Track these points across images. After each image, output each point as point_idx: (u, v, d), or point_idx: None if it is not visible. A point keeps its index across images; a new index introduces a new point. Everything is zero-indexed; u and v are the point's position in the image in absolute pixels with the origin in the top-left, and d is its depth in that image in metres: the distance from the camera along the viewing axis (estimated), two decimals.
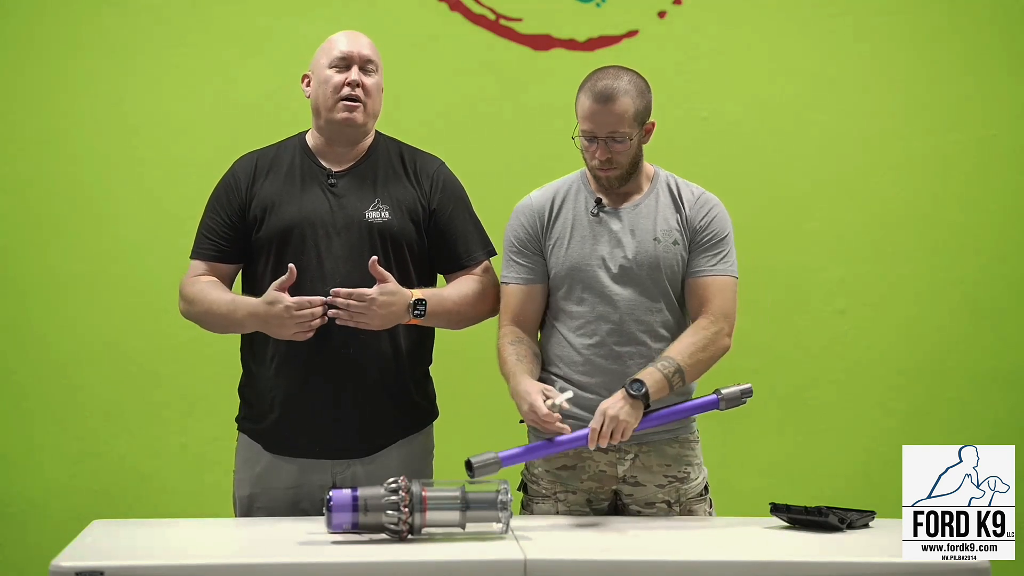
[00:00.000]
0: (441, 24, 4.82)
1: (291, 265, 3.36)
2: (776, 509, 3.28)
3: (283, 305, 3.32)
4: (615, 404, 3.26)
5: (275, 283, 3.35)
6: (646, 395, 3.26)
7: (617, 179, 3.40)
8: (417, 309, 3.39)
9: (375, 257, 3.37)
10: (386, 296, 3.35)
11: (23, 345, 4.75)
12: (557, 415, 3.25)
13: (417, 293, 3.40)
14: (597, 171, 3.39)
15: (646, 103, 3.39)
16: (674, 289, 3.43)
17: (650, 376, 3.28)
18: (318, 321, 3.33)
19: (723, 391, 3.36)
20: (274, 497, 3.49)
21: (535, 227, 3.46)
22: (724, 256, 3.43)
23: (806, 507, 3.26)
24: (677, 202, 3.44)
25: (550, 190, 3.49)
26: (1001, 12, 4.89)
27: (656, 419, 3.32)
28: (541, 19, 4.85)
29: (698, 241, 3.42)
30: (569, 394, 3.31)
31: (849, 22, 4.87)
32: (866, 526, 3.26)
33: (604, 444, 3.24)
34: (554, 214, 3.45)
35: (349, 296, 3.33)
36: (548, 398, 3.27)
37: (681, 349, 3.34)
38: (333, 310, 3.34)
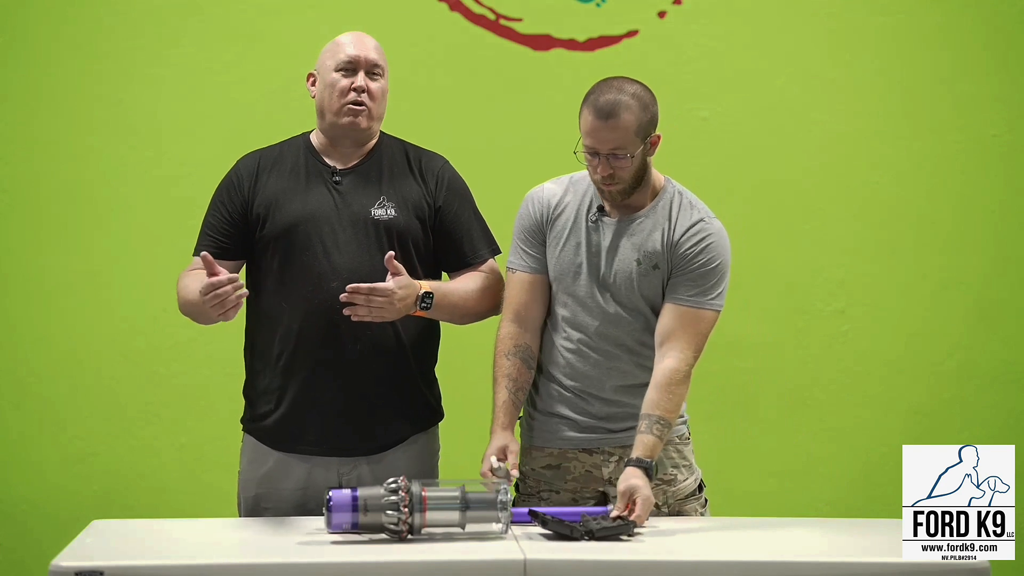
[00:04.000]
0: (441, 24, 4.82)
1: (204, 253, 3.29)
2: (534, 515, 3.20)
3: (200, 296, 3.27)
4: (645, 486, 3.21)
5: (205, 273, 3.29)
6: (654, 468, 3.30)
7: (620, 193, 3.37)
8: (424, 302, 3.39)
9: (392, 252, 3.37)
10: (403, 289, 3.36)
11: (23, 344, 4.75)
12: (490, 476, 3.28)
13: (425, 285, 3.41)
14: (600, 185, 3.37)
15: (650, 116, 3.33)
16: (652, 310, 3.40)
17: (651, 449, 3.27)
18: (232, 301, 3.23)
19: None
20: (281, 498, 3.49)
21: (542, 218, 3.46)
22: (708, 288, 3.36)
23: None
24: (670, 225, 3.39)
25: (562, 184, 3.48)
26: (1001, 13, 4.88)
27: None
28: (541, 19, 4.85)
29: (682, 268, 3.37)
30: (506, 472, 3.28)
31: (849, 22, 4.87)
32: (618, 538, 3.13)
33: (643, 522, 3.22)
34: (559, 211, 3.44)
35: (372, 292, 3.33)
36: (501, 460, 3.31)
37: (666, 406, 3.29)
38: (349, 307, 3.33)
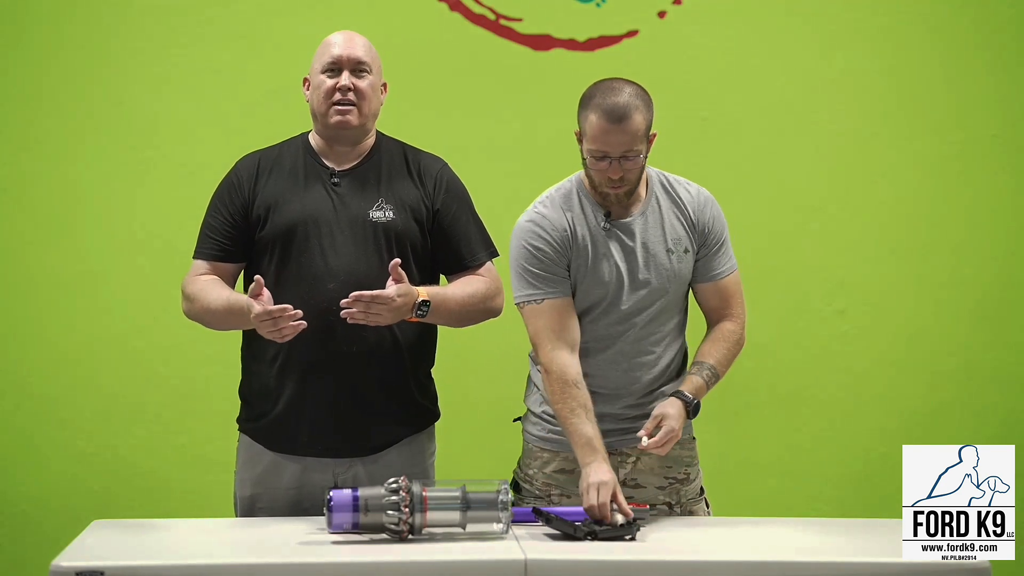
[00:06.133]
0: (441, 24, 4.82)
1: (257, 276, 3.35)
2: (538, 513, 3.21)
3: (252, 314, 3.32)
4: (675, 417, 3.26)
5: (250, 289, 3.35)
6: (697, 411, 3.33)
7: (627, 195, 3.35)
8: (420, 309, 3.39)
9: (398, 260, 3.37)
10: (401, 297, 3.35)
11: (23, 344, 4.75)
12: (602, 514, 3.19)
13: (423, 293, 3.40)
14: (606, 188, 3.33)
15: (652, 115, 3.32)
16: (685, 297, 3.44)
17: (696, 388, 3.32)
18: (289, 330, 3.30)
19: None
20: (276, 497, 3.50)
21: (564, 244, 3.36)
22: (727, 250, 3.43)
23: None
24: (679, 207, 3.41)
25: (553, 206, 3.39)
26: (1000, 13, 4.88)
27: None
28: (541, 19, 4.85)
29: (708, 243, 3.40)
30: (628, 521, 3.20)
31: (849, 22, 4.87)
32: (620, 539, 3.13)
33: (659, 451, 3.26)
34: (573, 231, 3.38)
35: (373, 299, 3.32)
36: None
37: (718, 357, 3.38)
38: (346, 311, 3.33)
